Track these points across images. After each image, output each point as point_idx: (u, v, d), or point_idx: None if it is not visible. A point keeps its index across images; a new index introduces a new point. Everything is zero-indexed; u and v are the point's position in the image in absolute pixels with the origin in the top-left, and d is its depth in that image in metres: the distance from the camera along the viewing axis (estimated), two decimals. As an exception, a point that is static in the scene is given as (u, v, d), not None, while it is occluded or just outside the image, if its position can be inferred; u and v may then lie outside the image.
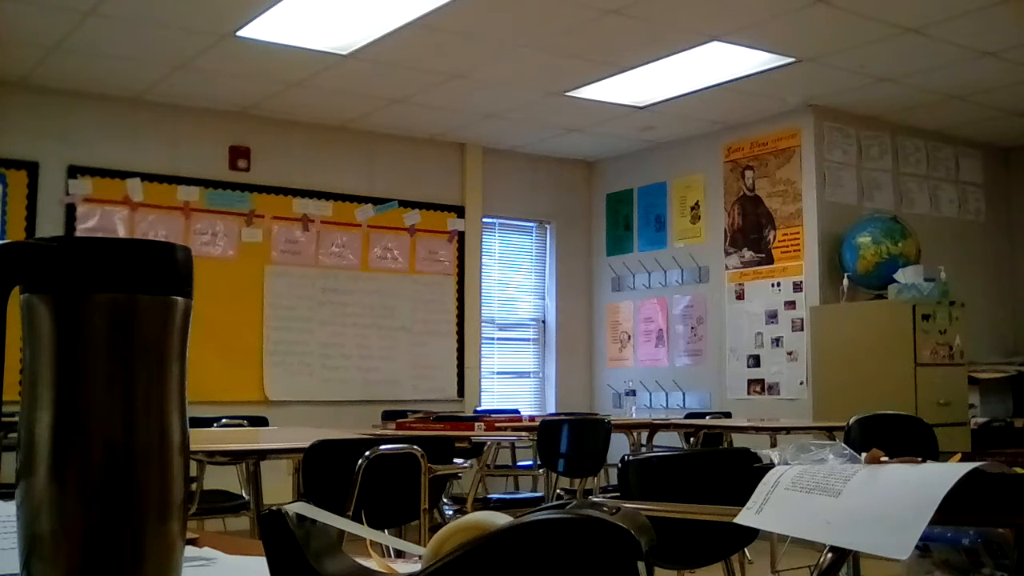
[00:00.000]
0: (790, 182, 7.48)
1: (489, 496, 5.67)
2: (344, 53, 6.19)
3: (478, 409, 7.93)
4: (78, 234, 6.85)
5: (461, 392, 8.30)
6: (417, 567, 0.61)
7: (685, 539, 2.20)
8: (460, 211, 8.45)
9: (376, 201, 8.04)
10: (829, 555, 1.29)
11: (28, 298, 0.64)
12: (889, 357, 6.62)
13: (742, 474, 1.25)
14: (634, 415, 7.76)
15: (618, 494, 2.42)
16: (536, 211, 8.96)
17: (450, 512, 5.09)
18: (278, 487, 4.66)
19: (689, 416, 7.11)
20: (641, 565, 0.56)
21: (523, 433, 5.67)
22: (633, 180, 8.79)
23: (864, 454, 1.22)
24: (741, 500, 1.15)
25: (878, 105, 7.32)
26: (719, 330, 7.95)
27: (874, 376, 6.61)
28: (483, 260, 8.61)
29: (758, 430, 6.10)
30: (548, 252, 9.09)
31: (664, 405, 8.31)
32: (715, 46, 6.11)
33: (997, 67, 6.44)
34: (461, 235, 8.43)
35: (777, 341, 7.51)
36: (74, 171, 6.89)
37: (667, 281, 8.41)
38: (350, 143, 7.96)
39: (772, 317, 7.56)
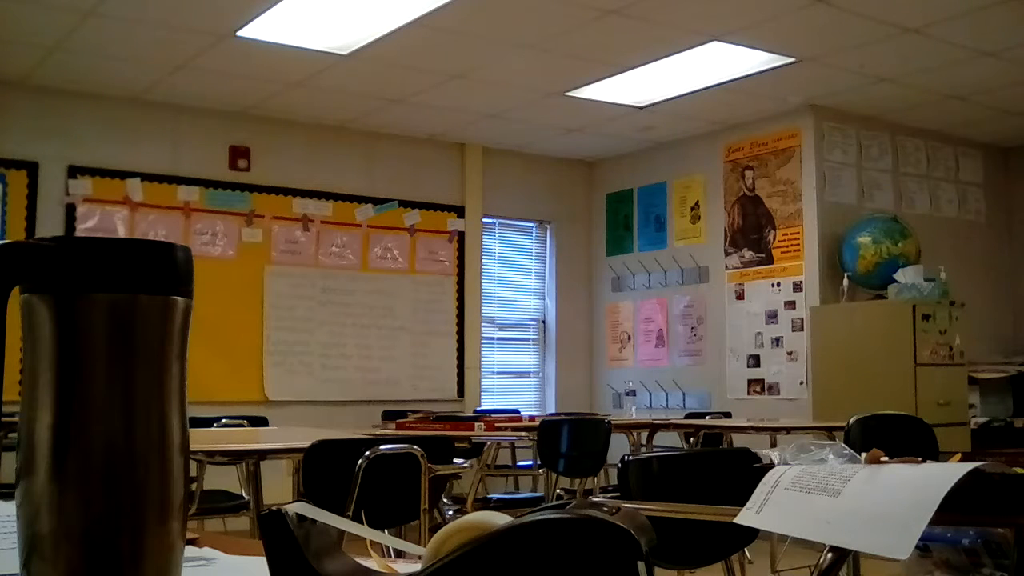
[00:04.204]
0: (790, 182, 7.48)
1: (489, 496, 5.67)
2: (344, 53, 6.19)
3: (478, 409, 7.94)
4: (78, 234, 6.85)
5: (461, 392, 8.30)
6: (417, 567, 0.61)
7: (685, 539, 2.20)
8: (460, 211, 8.45)
9: (376, 201, 8.04)
10: (829, 555, 1.29)
11: (28, 298, 0.64)
12: (889, 357, 6.62)
13: (742, 474, 1.25)
14: (634, 415, 7.76)
15: (618, 494, 2.42)
16: (536, 211, 8.96)
17: (450, 512, 5.09)
18: (278, 487, 4.67)
19: (689, 416, 7.11)
20: (641, 565, 0.56)
21: (523, 433, 5.67)
22: (633, 180, 8.79)
23: (864, 454, 1.22)
24: (741, 500, 1.15)
25: (878, 105, 7.32)
26: (719, 330, 7.95)
27: (874, 376, 6.61)
28: (483, 260, 8.61)
29: (758, 430, 6.10)
30: (548, 252, 9.09)
31: (664, 405, 8.31)
32: (715, 46, 6.11)
33: (997, 67, 6.44)
34: (461, 235, 8.43)
35: (777, 341, 7.51)
36: (74, 171, 6.89)
37: (667, 281, 8.41)
38: (350, 143, 7.96)
39: (772, 317, 7.56)
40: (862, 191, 7.57)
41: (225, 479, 5.13)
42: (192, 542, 0.99)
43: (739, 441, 6.21)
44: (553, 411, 8.63)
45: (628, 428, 6.41)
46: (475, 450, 5.76)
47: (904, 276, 6.84)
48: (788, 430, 5.80)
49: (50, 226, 6.76)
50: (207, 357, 6.87)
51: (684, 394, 8.20)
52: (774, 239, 7.57)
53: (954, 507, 1.03)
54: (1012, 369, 7.65)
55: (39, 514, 0.63)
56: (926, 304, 6.68)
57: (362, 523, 0.72)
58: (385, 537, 0.77)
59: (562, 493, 5.53)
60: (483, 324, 8.57)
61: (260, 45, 6.02)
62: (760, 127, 7.68)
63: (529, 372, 9.01)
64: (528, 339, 9.02)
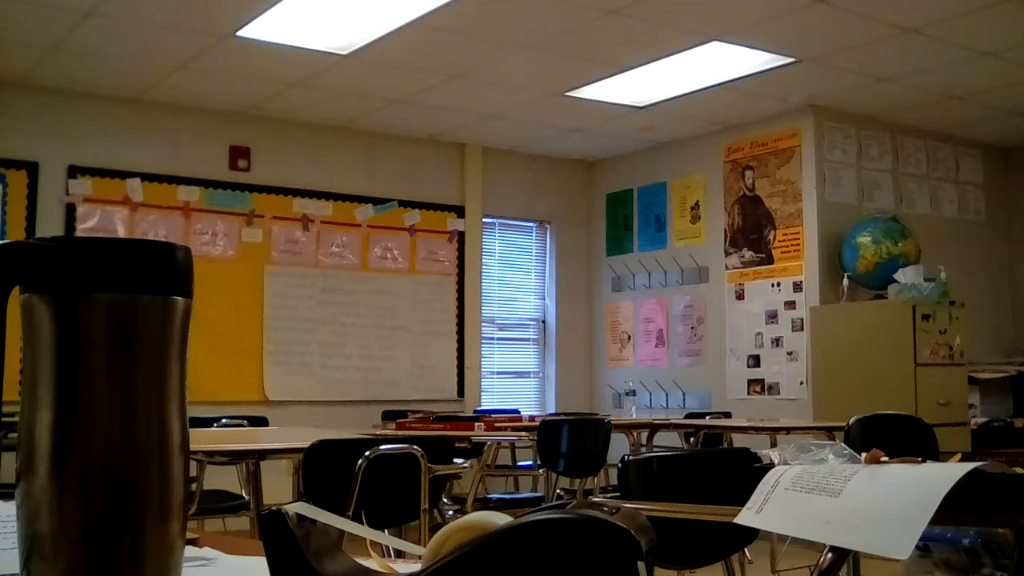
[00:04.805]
0: (790, 182, 7.48)
1: (489, 496, 5.67)
2: (344, 53, 6.19)
3: (478, 409, 7.93)
4: (78, 234, 6.85)
5: (461, 392, 8.30)
6: (417, 567, 0.61)
7: (685, 539, 2.20)
8: (460, 211, 8.45)
9: (376, 201, 8.04)
10: (829, 555, 1.29)
11: (28, 298, 0.64)
12: (889, 357, 6.62)
13: (742, 474, 1.25)
14: (634, 415, 7.76)
15: (618, 494, 2.42)
16: (536, 211, 8.96)
17: (450, 512, 5.09)
18: (278, 487, 4.66)
19: (689, 416, 7.11)
20: (641, 565, 0.56)
21: (523, 433, 5.67)
22: (633, 180, 8.79)
23: (864, 454, 1.22)
24: (741, 500, 1.15)
25: (878, 105, 7.32)
26: (719, 330, 7.95)
27: (874, 376, 6.61)
28: (483, 260, 8.61)
29: (758, 430, 6.10)
30: (548, 252, 9.09)
31: (664, 405, 8.31)
32: (715, 46, 6.11)
33: (997, 67, 6.44)
34: (461, 235, 8.43)
35: (777, 341, 7.51)
36: (74, 171, 6.89)
37: (667, 281, 8.41)
38: (350, 143, 7.96)
39: (772, 317, 7.56)
40: (862, 191, 7.57)
41: (225, 479, 5.13)
42: (192, 542, 0.99)
43: (739, 441, 6.21)
44: (553, 411, 8.63)
45: (628, 428, 6.42)
46: (475, 450, 5.76)
47: (904, 276, 6.84)
48: (788, 430, 5.81)
49: (50, 226, 6.76)
50: (207, 357, 6.87)
51: (684, 394, 8.20)
52: (774, 239, 7.57)
53: (954, 507, 1.03)
54: (1012, 369, 7.65)
55: (39, 514, 0.63)
56: (926, 304, 6.68)
57: (362, 523, 0.72)
58: (385, 537, 0.77)
59: (562, 493, 5.53)
60: (483, 324, 8.57)
61: (260, 45, 6.02)
62: (760, 127, 7.68)
63: (529, 372, 9.01)
64: (528, 339, 9.02)
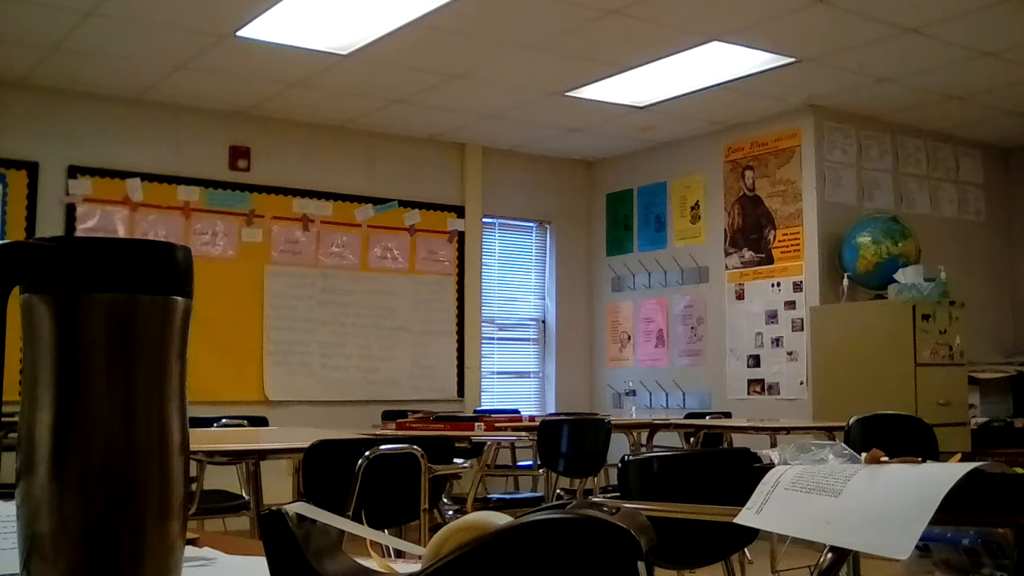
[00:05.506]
0: (790, 182, 7.48)
1: (489, 496, 5.67)
2: (344, 53, 6.19)
3: (478, 409, 7.93)
4: (78, 234, 6.85)
5: (461, 392, 8.30)
6: (417, 567, 0.61)
7: (685, 539, 2.20)
8: (460, 211, 8.45)
9: (376, 201, 8.04)
10: (829, 555, 1.29)
11: (28, 298, 0.64)
12: (889, 357, 6.62)
13: (742, 474, 1.25)
14: (634, 415, 7.76)
15: (618, 494, 2.42)
16: (536, 211, 8.96)
17: (450, 512, 5.09)
18: (278, 487, 4.66)
19: (689, 416, 7.11)
20: (641, 565, 0.56)
21: (523, 433, 5.67)
22: (633, 180, 8.79)
23: (864, 454, 1.22)
24: (741, 500, 1.15)
25: (878, 105, 7.32)
26: (719, 330, 7.95)
27: (874, 376, 6.61)
28: (483, 260, 8.61)
29: (758, 430, 6.10)
30: (548, 252, 9.09)
31: (664, 405, 8.31)
32: (715, 46, 6.11)
33: (997, 67, 6.44)
34: (461, 235, 8.43)
35: (777, 341, 7.51)
36: (74, 171, 6.89)
37: (667, 281, 8.41)
38: (350, 143, 7.96)
39: (772, 317, 7.56)
40: (862, 191, 7.57)
41: (225, 479, 5.13)
42: (192, 542, 0.99)
43: (739, 441, 6.21)
44: (553, 411, 8.63)
45: (628, 428, 6.42)
46: (475, 450, 5.76)
47: (904, 276, 6.84)
48: (788, 430, 5.81)
49: (50, 226, 6.76)
50: (207, 357, 6.87)
51: (684, 394, 8.20)
52: (774, 239, 7.57)
53: (954, 507, 1.03)
54: (1012, 369, 7.65)
55: (39, 514, 0.63)
56: (926, 304, 6.68)
57: (362, 523, 0.72)
58: (385, 537, 0.77)
59: (562, 493, 5.53)
60: (483, 324, 8.57)
61: (260, 45, 6.02)
62: (760, 127, 7.68)
63: (529, 372, 9.01)
64: (528, 339, 9.02)
